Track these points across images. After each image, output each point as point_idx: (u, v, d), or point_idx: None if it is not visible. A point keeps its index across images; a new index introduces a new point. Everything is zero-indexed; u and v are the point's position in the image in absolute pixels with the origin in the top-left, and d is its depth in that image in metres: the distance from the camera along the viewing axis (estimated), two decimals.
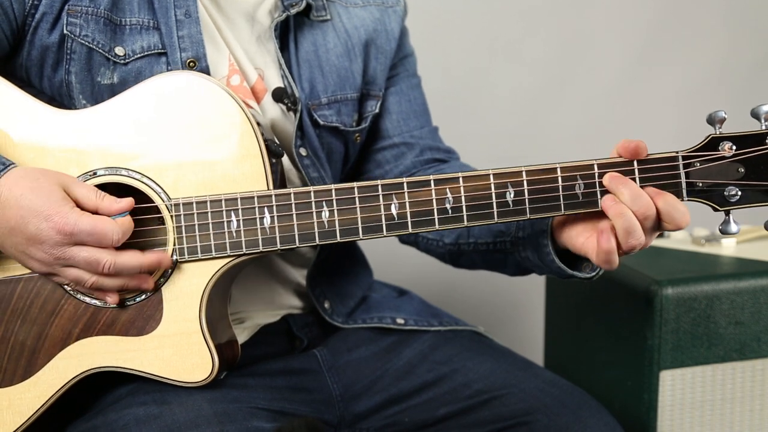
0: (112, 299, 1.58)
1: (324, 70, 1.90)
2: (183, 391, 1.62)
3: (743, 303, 2.16)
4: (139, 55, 1.71)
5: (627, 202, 1.50)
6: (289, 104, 1.82)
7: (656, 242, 2.51)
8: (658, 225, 1.53)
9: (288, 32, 1.88)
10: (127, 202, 1.55)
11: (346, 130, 1.94)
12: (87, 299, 1.60)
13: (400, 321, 1.96)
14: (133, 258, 1.54)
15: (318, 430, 1.37)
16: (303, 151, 1.84)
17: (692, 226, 2.51)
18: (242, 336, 1.84)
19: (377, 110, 2.00)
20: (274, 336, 1.90)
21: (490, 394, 1.81)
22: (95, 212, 1.53)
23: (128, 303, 1.60)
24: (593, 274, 1.68)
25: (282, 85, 1.83)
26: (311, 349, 1.92)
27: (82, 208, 1.53)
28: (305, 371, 1.86)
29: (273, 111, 1.83)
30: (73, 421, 1.70)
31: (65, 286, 1.60)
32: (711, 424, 2.19)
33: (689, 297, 2.13)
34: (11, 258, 1.58)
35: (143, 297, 1.60)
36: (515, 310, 3.44)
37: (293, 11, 1.85)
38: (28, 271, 1.60)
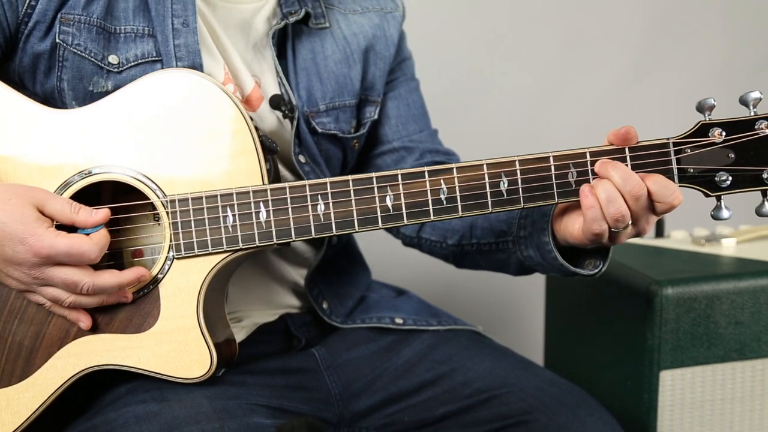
0: (85, 323, 1.57)
1: (322, 77, 1.90)
2: (182, 388, 1.62)
3: (743, 303, 2.16)
4: (133, 63, 1.71)
5: (618, 184, 1.51)
6: (286, 111, 1.82)
7: (656, 242, 2.51)
8: (651, 207, 1.54)
9: (286, 40, 1.88)
10: (104, 214, 1.54)
11: (344, 137, 1.94)
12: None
13: (398, 321, 1.96)
14: (111, 278, 1.53)
15: (318, 430, 1.37)
16: (302, 158, 1.85)
17: (692, 226, 2.51)
18: (240, 335, 1.84)
19: (376, 116, 2.01)
20: (272, 335, 1.91)
21: (489, 393, 1.81)
22: (72, 225, 1.53)
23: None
24: (596, 271, 1.68)
25: (279, 93, 1.84)
26: (309, 349, 1.92)
27: (58, 223, 1.52)
28: (303, 370, 1.86)
29: (270, 119, 1.84)
30: (72, 420, 1.70)
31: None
32: (711, 424, 2.19)
33: (689, 297, 2.13)
34: None
35: (140, 294, 1.60)
36: (515, 310, 3.43)
37: (292, 19, 1.86)
38: None
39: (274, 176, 1.67)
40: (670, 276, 2.16)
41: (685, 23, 3.50)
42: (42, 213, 1.50)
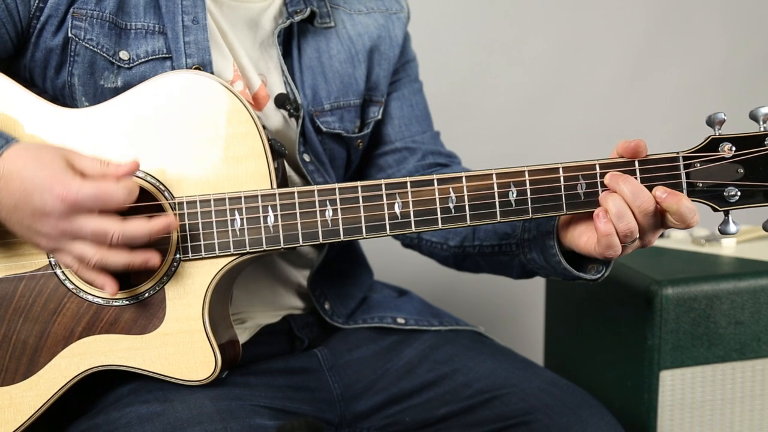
0: (110, 288, 1.52)
1: (327, 77, 1.90)
2: (185, 389, 1.63)
3: (743, 303, 2.17)
4: (143, 60, 1.71)
5: (628, 198, 1.51)
6: (292, 110, 1.82)
7: (656, 242, 2.50)
8: (661, 222, 1.55)
9: (291, 39, 1.88)
10: (133, 163, 1.52)
11: (348, 137, 1.95)
12: (89, 297, 1.60)
13: (400, 321, 1.97)
14: (141, 226, 1.49)
15: (318, 430, 1.37)
16: (306, 157, 1.85)
17: None
18: (243, 336, 1.84)
19: (379, 116, 2.01)
20: (275, 336, 1.91)
21: (490, 393, 1.81)
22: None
23: (127, 302, 1.60)
24: (598, 276, 1.68)
25: (284, 92, 1.84)
26: (312, 349, 1.92)
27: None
28: (306, 371, 1.87)
29: (276, 118, 1.84)
30: (74, 420, 1.70)
31: (66, 283, 1.60)
32: (711, 424, 2.20)
33: (689, 297, 2.14)
34: (19, 236, 1.55)
35: (146, 296, 1.60)
36: (515, 310, 3.44)
37: (297, 18, 1.86)
38: (30, 269, 1.61)
39: (282, 180, 1.67)
40: (670, 276, 2.17)
41: (685, 23, 3.50)
42: (72, 167, 1.49)
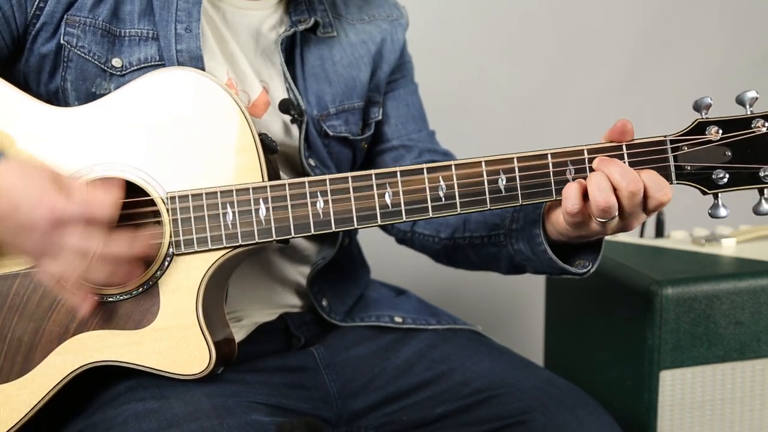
0: (85, 309, 1.53)
1: (331, 81, 1.92)
2: (181, 386, 1.62)
3: (743, 303, 2.16)
4: (136, 67, 1.72)
5: (617, 180, 1.51)
6: (295, 115, 1.83)
7: (656, 242, 2.52)
8: (644, 204, 1.54)
9: (294, 47, 1.90)
10: (117, 192, 1.49)
11: (354, 139, 1.96)
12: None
13: (398, 319, 1.97)
14: (122, 246, 1.48)
15: (318, 430, 1.37)
16: (312, 162, 1.86)
17: (692, 226, 2.51)
18: (239, 334, 1.84)
19: (380, 117, 2.03)
20: (272, 334, 1.91)
21: (488, 392, 1.81)
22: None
23: (121, 298, 1.60)
24: (584, 270, 1.69)
25: (288, 97, 1.85)
26: (308, 347, 1.92)
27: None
28: (302, 369, 1.86)
29: (276, 125, 1.85)
30: (71, 419, 1.70)
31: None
32: (711, 424, 2.19)
33: (689, 297, 2.13)
34: (2, 246, 1.55)
35: (139, 291, 1.60)
36: (515, 310, 3.44)
37: (301, 27, 1.87)
38: (24, 267, 1.61)
39: (274, 175, 1.68)
40: (670, 276, 2.16)
41: (684, 23, 3.51)
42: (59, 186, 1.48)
